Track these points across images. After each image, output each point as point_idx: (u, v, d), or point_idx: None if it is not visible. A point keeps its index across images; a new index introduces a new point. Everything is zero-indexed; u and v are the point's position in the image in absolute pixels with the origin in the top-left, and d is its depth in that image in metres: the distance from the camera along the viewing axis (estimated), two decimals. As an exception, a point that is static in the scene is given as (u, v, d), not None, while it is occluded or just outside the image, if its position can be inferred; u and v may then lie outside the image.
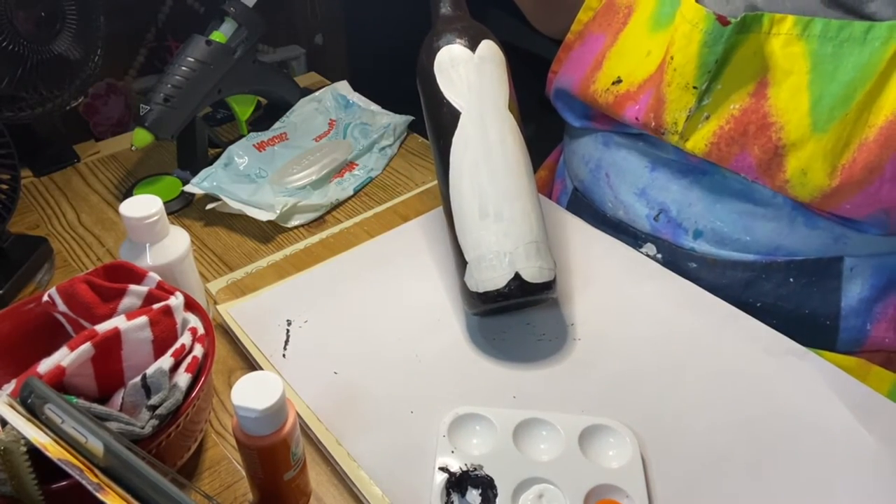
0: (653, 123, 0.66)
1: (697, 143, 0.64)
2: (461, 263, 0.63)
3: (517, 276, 0.59)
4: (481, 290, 0.60)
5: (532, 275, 0.59)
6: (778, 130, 0.59)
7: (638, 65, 0.68)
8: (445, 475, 0.51)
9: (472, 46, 0.64)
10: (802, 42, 0.58)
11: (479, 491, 0.51)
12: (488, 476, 0.51)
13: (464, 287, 0.62)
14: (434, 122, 0.66)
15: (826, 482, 0.53)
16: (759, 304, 0.67)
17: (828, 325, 0.65)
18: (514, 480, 0.51)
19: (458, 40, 0.65)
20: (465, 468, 0.52)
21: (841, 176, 0.58)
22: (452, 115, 0.63)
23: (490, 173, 0.62)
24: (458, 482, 0.51)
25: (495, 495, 0.50)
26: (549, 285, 0.60)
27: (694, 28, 0.61)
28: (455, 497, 0.51)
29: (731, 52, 0.61)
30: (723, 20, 0.59)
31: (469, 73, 0.64)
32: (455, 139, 0.63)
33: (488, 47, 0.65)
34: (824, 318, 0.65)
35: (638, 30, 0.69)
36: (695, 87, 0.62)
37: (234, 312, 0.67)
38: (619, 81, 0.69)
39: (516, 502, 0.50)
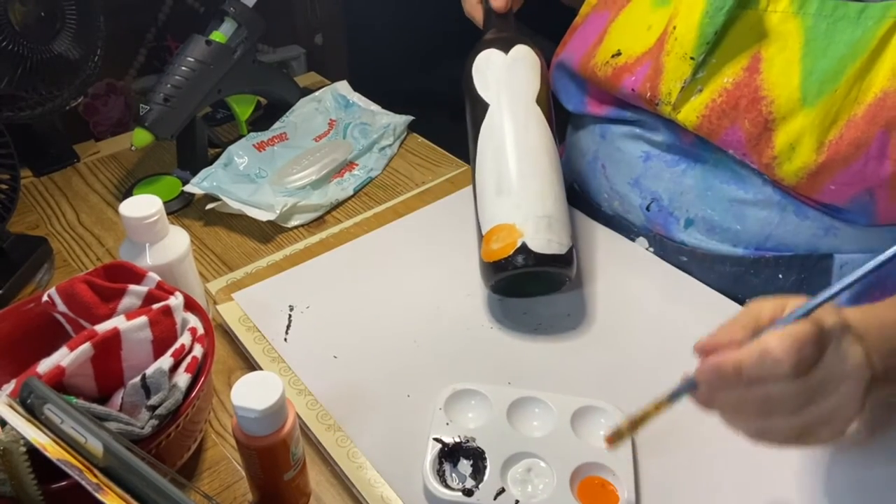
0: (648, 94, 0.67)
1: (689, 114, 0.65)
2: (481, 238, 0.66)
3: (524, 247, 0.61)
4: (492, 259, 0.62)
5: (539, 245, 0.61)
6: (768, 104, 0.61)
7: (638, 38, 0.70)
8: (439, 445, 0.53)
9: (506, 50, 0.71)
10: (798, 19, 0.60)
11: (471, 462, 0.53)
12: (480, 448, 0.53)
13: (481, 262, 0.65)
14: (471, 117, 0.72)
15: (816, 470, 0.53)
16: (747, 300, 0.68)
17: None
18: (505, 454, 0.53)
19: (493, 47, 0.72)
20: (458, 440, 0.54)
21: (828, 152, 0.59)
22: (482, 108, 0.70)
23: (511, 155, 0.66)
24: (451, 452, 0.53)
25: (485, 467, 0.52)
26: (559, 259, 0.62)
27: None
28: (447, 466, 0.53)
29: (730, 25, 0.63)
30: None
31: (500, 71, 0.70)
32: (483, 128, 0.69)
33: (521, 50, 0.71)
34: None
35: (641, 5, 0.71)
36: (692, 58, 0.64)
37: (239, 298, 0.68)
38: (618, 54, 0.71)
39: (505, 474, 0.52)
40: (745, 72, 0.62)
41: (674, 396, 0.45)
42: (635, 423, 0.47)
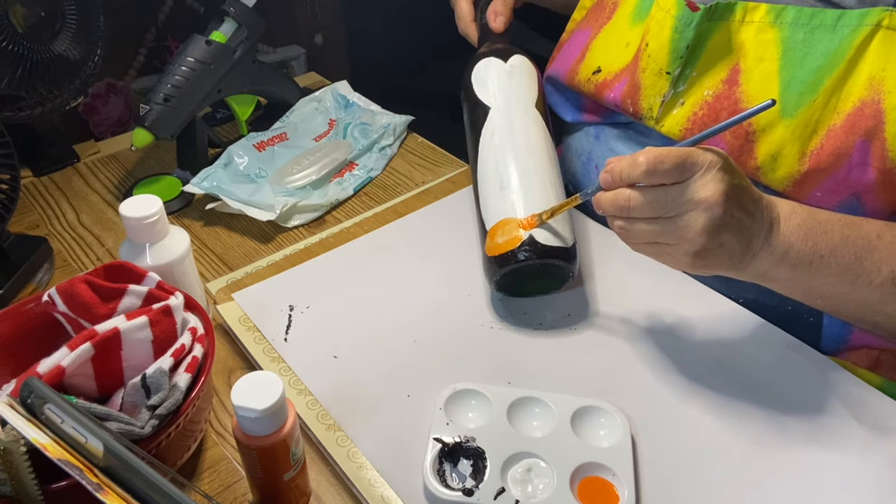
0: (630, 109, 0.68)
1: (672, 127, 0.66)
2: (484, 235, 0.66)
3: (531, 239, 0.62)
4: (497, 252, 0.63)
5: (545, 238, 0.62)
6: None
7: (617, 55, 0.71)
8: (439, 445, 0.53)
9: (505, 59, 0.74)
10: (775, 29, 0.60)
11: (471, 462, 0.53)
12: (480, 448, 0.53)
13: (484, 258, 0.66)
14: (470, 120, 0.74)
15: (815, 472, 0.54)
16: (741, 301, 0.68)
17: (811, 321, 0.66)
18: (505, 454, 0.53)
19: (492, 55, 0.74)
20: (458, 439, 0.54)
21: (810, 161, 0.59)
22: (483, 112, 0.71)
23: (513, 153, 0.67)
24: (451, 452, 0.53)
25: (485, 467, 0.52)
26: (564, 252, 0.63)
27: (666, 14, 0.64)
28: (447, 466, 0.53)
29: (705, 38, 0.63)
30: (692, 6, 0.61)
31: (500, 77, 0.73)
32: (484, 130, 0.70)
33: (518, 59, 0.74)
34: (807, 315, 0.66)
35: (620, 23, 0.72)
36: (668, 73, 0.64)
37: (239, 298, 0.68)
38: (598, 71, 0.72)
39: (505, 474, 0.52)
40: (725, 84, 0.62)
41: (585, 195, 0.58)
42: (554, 211, 0.62)
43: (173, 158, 0.92)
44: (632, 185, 0.52)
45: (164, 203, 0.60)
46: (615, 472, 0.52)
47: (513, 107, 0.71)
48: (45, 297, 0.53)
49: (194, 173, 0.85)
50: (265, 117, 1.00)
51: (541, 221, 0.62)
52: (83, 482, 0.38)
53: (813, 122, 0.59)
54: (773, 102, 0.50)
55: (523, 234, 0.62)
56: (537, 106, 0.72)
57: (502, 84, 0.72)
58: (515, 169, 0.66)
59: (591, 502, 0.51)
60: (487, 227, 0.66)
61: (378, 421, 0.57)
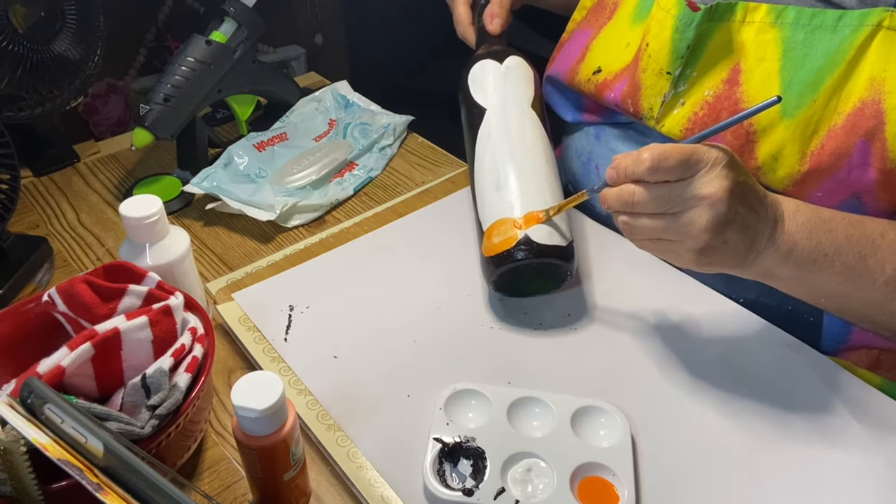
0: (631, 109, 0.68)
1: (672, 127, 0.66)
2: (481, 236, 0.66)
3: (527, 238, 0.62)
4: (494, 253, 0.63)
5: (541, 237, 0.62)
6: None
7: (617, 55, 0.71)
8: (439, 445, 0.53)
9: (500, 60, 0.74)
10: (775, 29, 0.60)
11: (471, 462, 0.53)
12: (480, 448, 0.53)
13: (482, 259, 0.66)
14: (467, 122, 0.74)
15: (816, 471, 0.54)
16: (741, 301, 0.68)
17: (811, 321, 0.66)
18: (505, 454, 0.53)
19: (488, 57, 0.75)
20: (458, 439, 0.54)
21: (810, 161, 0.59)
22: (480, 113, 0.72)
23: (509, 153, 0.68)
24: (451, 452, 0.53)
25: (485, 467, 0.52)
26: (561, 251, 0.63)
27: (667, 14, 0.64)
28: (447, 466, 0.53)
29: (705, 38, 0.63)
30: (692, 6, 0.62)
31: (496, 78, 0.73)
32: (480, 131, 0.71)
33: (514, 60, 0.75)
34: (808, 315, 0.66)
35: (620, 23, 0.72)
36: (668, 73, 0.64)
37: (239, 298, 0.68)
38: (598, 71, 0.72)
39: (505, 474, 0.52)
40: (725, 84, 0.62)
41: (591, 191, 0.58)
42: (561, 207, 0.63)
43: (173, 158, 0.92)
44: (637, 181, 0.52)
45: (164, 203, 0.60)
46: (615, 472, 0.52)
47: (509, 107, 0.71)
48: (45, 297, 0.53)
49: (194, 173, 0.85)
50: (265, 117, 1.00)
51: (548, 217, 0.62)
52: (83, 482, 0.38)
53: (813, 123, 0.59)
54: (779, 99, 0.50)
55: (519, 234, 0.62)
56: (533, 106, 0.72)
57: (498, 85, 0.72)
58: (512, 169, 0.66)
59: (591, 502, 0.51)
60: (484, 228, 0.66)
61: (378, 421, 0.57)
